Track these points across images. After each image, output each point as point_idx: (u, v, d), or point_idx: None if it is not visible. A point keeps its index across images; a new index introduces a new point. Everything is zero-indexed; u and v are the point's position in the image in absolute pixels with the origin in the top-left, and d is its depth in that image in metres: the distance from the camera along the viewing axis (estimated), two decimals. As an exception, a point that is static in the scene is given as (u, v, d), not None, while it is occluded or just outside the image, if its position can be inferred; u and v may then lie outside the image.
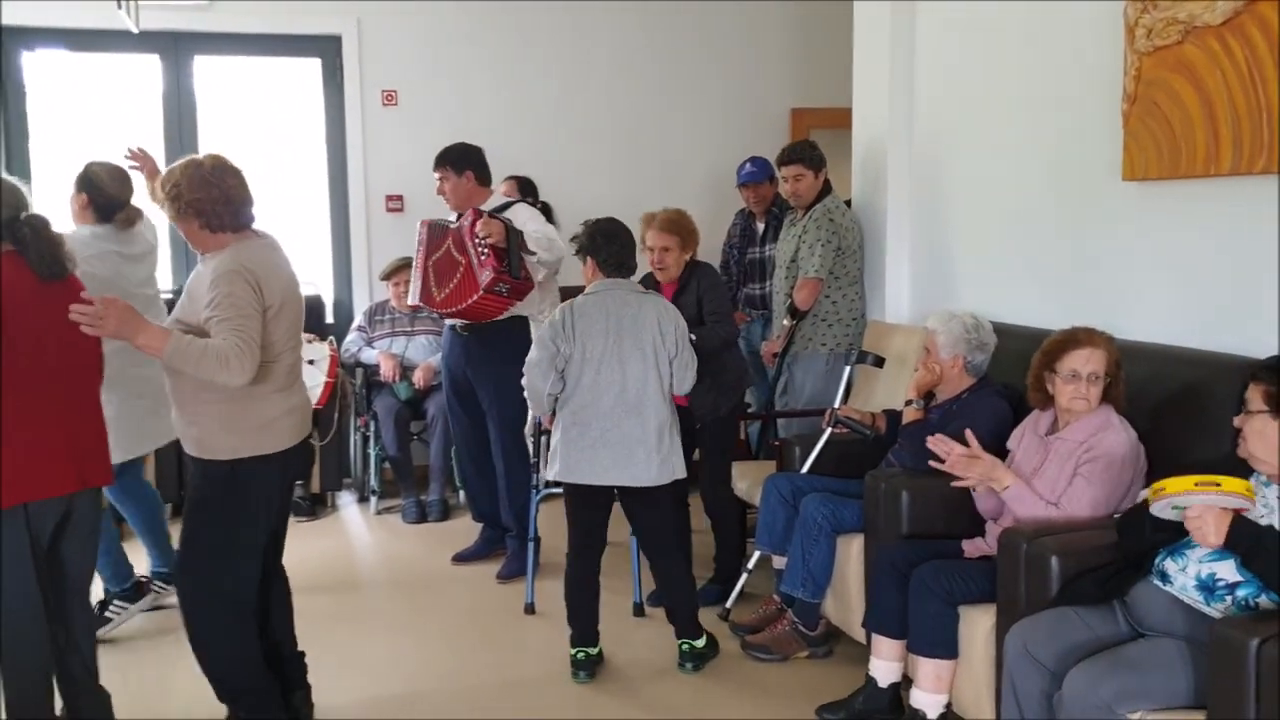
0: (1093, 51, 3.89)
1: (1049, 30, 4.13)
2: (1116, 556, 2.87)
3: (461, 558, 5.24)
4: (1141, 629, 2.74)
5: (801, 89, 7.08)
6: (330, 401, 6.06)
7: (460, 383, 5.02)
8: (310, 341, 5.96)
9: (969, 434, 3.33)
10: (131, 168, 4.42)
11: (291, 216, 6.60)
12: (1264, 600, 2.54)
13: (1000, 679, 2.96)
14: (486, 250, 4.60)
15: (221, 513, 3.25)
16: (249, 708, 3.37)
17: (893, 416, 4.11)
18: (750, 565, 4.41)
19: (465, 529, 5.57)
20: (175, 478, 5.64)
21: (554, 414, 3.93)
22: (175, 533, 3.82)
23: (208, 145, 6.55)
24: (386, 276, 6.32)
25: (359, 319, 6.43)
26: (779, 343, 5.09)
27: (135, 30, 4.99)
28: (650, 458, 3.79)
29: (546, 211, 5.59)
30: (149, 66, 6.49)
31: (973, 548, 3.44)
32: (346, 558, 5.47)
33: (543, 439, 4.54)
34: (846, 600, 3.84)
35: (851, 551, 3.81)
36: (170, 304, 4.57)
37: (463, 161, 4.83)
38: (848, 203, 5.29)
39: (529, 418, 4.79)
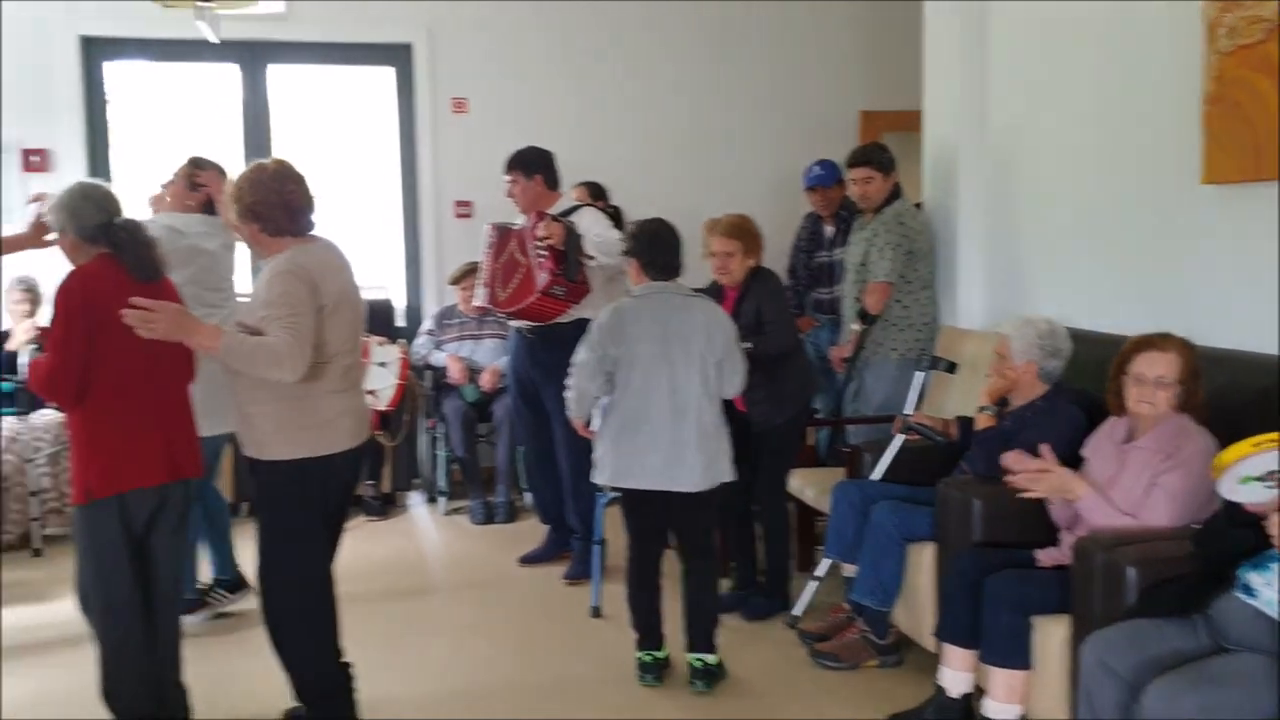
0: (1169, 51, 3.81)
1: (1125, 31, 4.06)
2: (1196, 568, 2.80)
3: (528, 559, 5.27)
4: (1224, 643, 2.67)
5: (870, 91, 7.03)
6: (401, 403, 6.14)
7: (526, 385, 5.05)
8: (381, 344, 6.04)
9: (1043, 448, 3.28)
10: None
11: (363, 222, 6.70)
12: (1354, 615, 2.47)
13: (1075, 691, 2.91)
14: (545, 253, 4.64)
15: (281, 513, 3.29)
16: (323, 707, 3.41)
17: (965, 423, 4.04)
18: (819, 573, 4.38)
19: (532, 530, 5.60)
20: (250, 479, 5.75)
21: (587, 421, 3.94)
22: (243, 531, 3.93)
23: (283, 153, 6.65)
24: (455, 281, 6.38)
25: (428, 323, 6.51)
26: (848, 348, 5.05)
27: (215, 40, 5.09)
28: (698, 461, 3.77)
29: (616, 216, 5.62)
30: (226, 76, 6.62)
31: (1047, 557, 3.38)
32: (416, 557, 5.53)
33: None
34: (917, 609, 3.79)
35: (923, 560, 3.76)
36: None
37: (533, 165, 4.87)
38: (918, 205, 5.24)
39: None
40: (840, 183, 5.66)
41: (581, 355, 3.87)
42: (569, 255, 4.66)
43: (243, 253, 4.50)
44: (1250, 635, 2.60)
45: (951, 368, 4.41)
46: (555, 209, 4.87)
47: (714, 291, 4.37)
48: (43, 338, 3.95)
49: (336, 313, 3.23)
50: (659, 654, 3.94)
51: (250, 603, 4.30)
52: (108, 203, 3.28)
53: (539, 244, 4.66)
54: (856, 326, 4.99)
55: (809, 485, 4.69)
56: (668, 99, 6.91)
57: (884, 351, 4.98)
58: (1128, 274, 4.10)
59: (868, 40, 7.06)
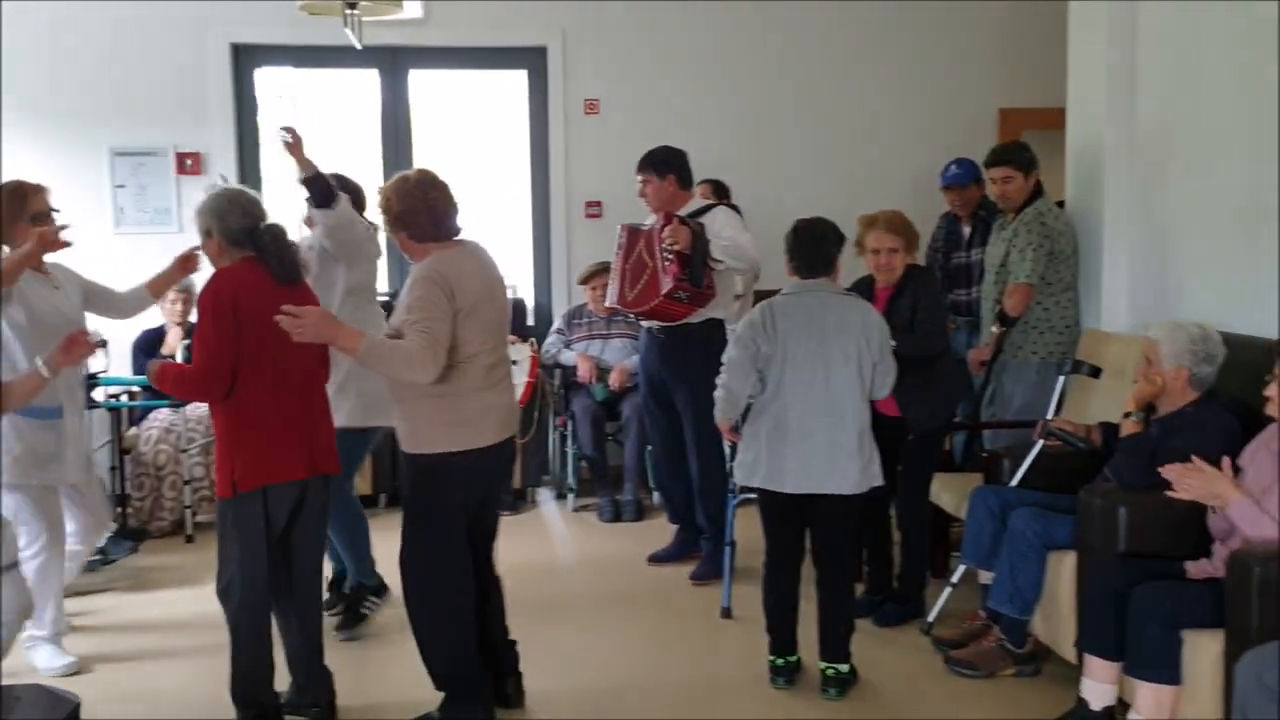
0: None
1: (1284, 24, 3.89)
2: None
3: (657, 558, 5.29)
4: (1394, 664, 2.55)
5: (1010, 88, 6.87)
6: (531, 401, 6.23)
7: (657, 385, 5.07)
8: (512, 343, 6.14)
9: (1195, 460, 3.17)
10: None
11: (496, 223, 6.82)
12: None
13: (1229, 708, 2.80)
14: (671, 256, 4.64)
15: (429, 504, 3.41)
16: (457, 695, 3.49)
17: (1108, 429, 3.94)
18: (954, 579, 4.30)
19: (659, 529, 5.63)
20: (389, 472, 6.02)
21: (736, 425, 3.91)
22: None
23: (421, 155, 6.83)
24: (584, 281, 6.45)
25: (558, 322, 6.59)
26: (986, 350, 4.95)
27: (359, 46, 5.24)
28: (851, 464, 3.72)
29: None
30: (365, 80, 6.80)
31: (1196, 569, 3.27)
32: (546, 552, 5.61)
33: (728, 445, 4.51)
34: (1057, 618, 3.70)
35: (1063, 568, 3.67)
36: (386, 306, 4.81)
37: (665, 165, 4.88)
38: (1060, 204, 5.10)
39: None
40: (978, 182, 5.56)
41: (731, 353, 3.84)
42: (695, 261, 4.66)
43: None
44: None
45: (1095, 372, 4.30)
46: (687, 209, 4.88)
47: (861, 291, 4.31)
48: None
49: (474, 314, 3.32)
50: (791, 658, 3.91)
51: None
52: (253, 208, 3.43)
53: (666, 248, 4.67)
54: (995, 329, 4.89)
55: (945, 490, 4.61)
56: (802, 98, 6.87)
57: (1023, 355, 4.86)
58: (1286, 276, 3.93)
59: (1006, 37, 6.90)
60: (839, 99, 6.89)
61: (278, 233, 3.43)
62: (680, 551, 5.26)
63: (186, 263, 4.21)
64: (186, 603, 4.61)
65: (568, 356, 6.37)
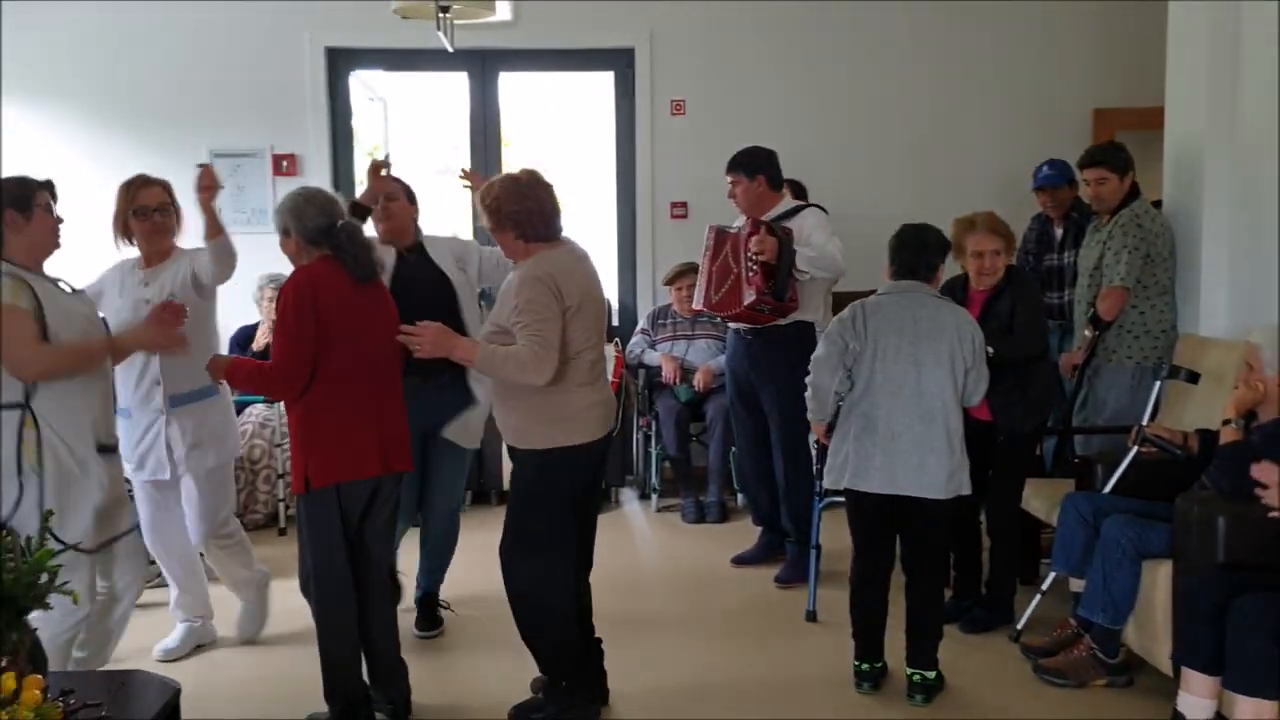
0: None
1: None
2: None
3: (741, 560, 5.28)
4: None
5: (1105, 88, 6.73)
6: (615, 400, 6.25)
7: (744, 386, 5.06)
8: (598, 343, 6.19)
9: None
10: (465, 187, 4.65)
11: (582, 223, 6.86)
12: None
13: (1335, 726, 2.73)
14: (756, 268, 4.63)
15: (537, 498, 3.45)
16: (564, 690, 3.53)
17: (1206, 436, 3.85)
18: (1044, 586, 4.24)
19: (743, 531, 5.62)
20: (476, 469, 6.08)
21: (830, 426, 3.88)
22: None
23: (509, 157, 6.91)
24: (669, 281, 6.46)
25: (643, 322, 6.62)
26: (1079, 354, 4.87)
27: (450, 49, 5.32)
28: (941, 468, 3.68)
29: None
30: (454, 83, 6.90)
31: (1300, 581, 3.19)
32: (630, 552, 5.64)
33: (814, 448, 4.50)
34: (1151, 629, 3.63)
35: (1158, 578, 3.59)
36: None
37: (755, 166, 4.87)
38: (1156, 204, 4.99)
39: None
40: (1071, 183, 5.47)
41: (819, 350, 3.83)
42: (780, 273, 4.64)
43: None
44: None
45: (1193, 378, 4.20)
46: (776, 210, 4.87)
47: (953, 292, 4.26)
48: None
49: (580, 312, 3.39)
50: (876, 664, 3.89)
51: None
52: (330, 207, 3.47)
53: (752, 257, 4.66)
54: (1088, 333, 4.81)
55: (1036, 496, 4.54)
56: (889, 98, 6.81)
57: (1118, 359, 4.77)
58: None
59: (1102, 35, 6.77)
60: (927, 99, 6.81)
61: (353, 231, 3.47)
62: (764, 554, 5.25)
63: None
64: (279, 594, 4.70)
65: (652, 357, 6.39)
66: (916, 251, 3.80)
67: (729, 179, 4.91)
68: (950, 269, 4.35)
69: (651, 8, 6.69)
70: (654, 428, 6.36)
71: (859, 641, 3.89)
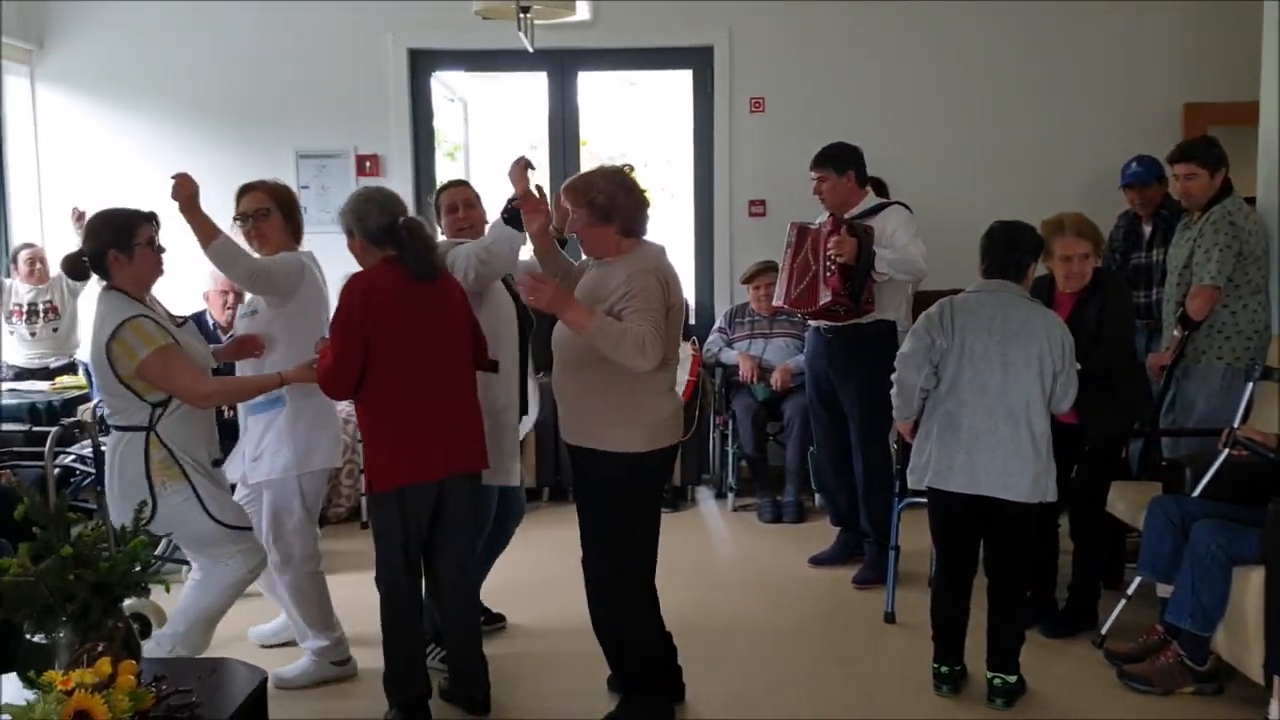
0: None
1: None
2: None
3: (818, 560, 5.26)
4: None
5: (1196, 82, 6.56)
6: (692, 399, 6.26)
7: (823, 385, 5.03)
8: (675, 341, 6.19)
9: None
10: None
11: (659, 221, 6.87)
12: None
13: None
14: (834, 268, 4.59)
15: (630, 501, 3.42)
16: (642, 694, 3.53)
17: (1301, 439, 3.75)
18: (1130, 591, 4.16)
19: (820, 531, 5.59)
20: (553, 466, 6.13)
21: (915, 424, 3.85)
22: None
23: (586, 156, 6.94)
24: (747, 280, 6.44)
25: (719, 320, 6.61)
26: (1167, 355, 4.76)
27: (530, 49, 5.36)
28: (1025, 471, 3.62)
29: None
30: (533, 83, 6.95)
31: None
32: (706, 551, 5.64)
33: (894, 447, 4.45)
34: (1242, 637, 3.53)
35: (1250, 584, 3.50)
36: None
37: (844, 161, 4.82)
38: (1250, 201, 4.86)
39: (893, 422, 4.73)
40: (1161, 180, 5.35)
41: (905, 347, 3.79)
42: (857, 275, 4.60)
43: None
44: None
45: (1287, 380, 4.09)
46: (860, 207, 4.84)
47: (1039, 294, 4.18)
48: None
49: (671, 314, 3.38)
50: (956, 666, 3.84)
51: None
52: (390, 204, 3.49)
53: (831, 257, 4.63)
54: (1177, 333, 4.70)
55: (1121, 499, 4.44)
56: (972, 94, 6.71)
57: (1208, 360, 4.66)
58: None
59: (1193, 29, 6.60)
60: (1010, 95, 6.70)
61: (414, 228, 3.45)
62: (842, 554, 5.22)
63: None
64: (358, 587, 4.75)
65: (729, 355, 6.38)
66: (1008, 250, 3.75)
67: (815, 174, 4.86)
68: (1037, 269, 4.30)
69: (730, 6, 6.67)
70: (730, 426, 6.34)
71: (938, 643, 3.85)
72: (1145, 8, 6.62)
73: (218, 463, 3.69)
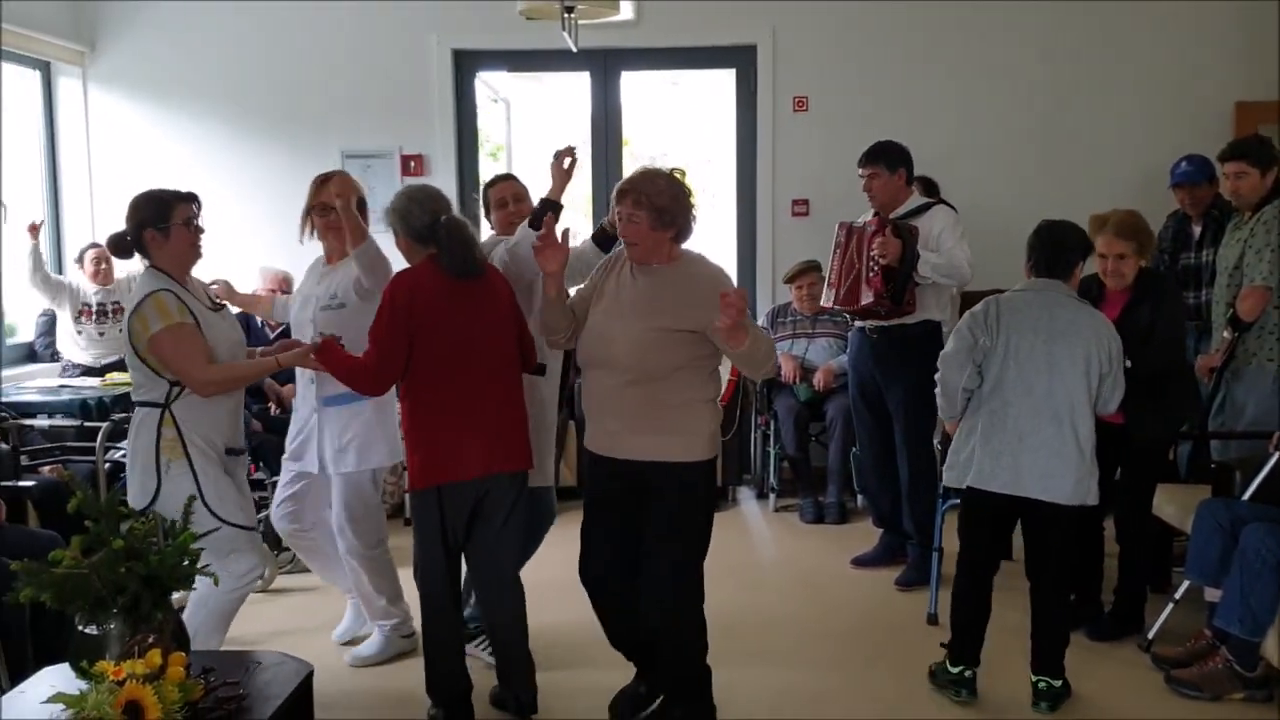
0: None
1: None
2: None
3: (861, 561, 5.24)
4: None
5: (1247, 81, 6.46)
6: (733, 399, 6.27)
7: (868, 385, 5.01)
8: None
9: None
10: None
11: (701, 221, 6.87)
12: None
13: None
14: (877, 269, 4.57)
15: (702, 508, 3.40)
16: (695, 694, 3.51)
17: (1355, 444, 3.69)
18: (1177, 595, 4.11)
19: (863, 532, 5.58)
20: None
21: (957, 422, 3.82)
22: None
23: (628, 156, 6.95)
24: (790, 279, 6.42)
25: (762, 320, 6.58)
26: (1217, 357, 4.69)
27: (574, 49, 5.38)
28: (1069, 472, 3.59)
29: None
30: (575, 83, 6.97)
31: None
32: (747, 552, 5.63)
33: (939, 448, 4.42)
34: (1293, 642, 3.49)
35: (1301, 589, 3.46)
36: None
37: (896, 159, 4.80)
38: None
39: (938, 423, 4.71)
40: (1211, 180, 5.28)
41: (950, 345, 3.77)
42: (900, 277, 4.59)
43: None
44: None
45: (1340, 383, 4.02)
46: (906, 206, 4.81)
47: (1087, 292, 4.15)
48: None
49: None
50: (974, 669, 3.79)
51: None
52: (432, 203, 3.50)
53: (874, 257, 4.61)
54: (1227, 334, 4.63)
55: (1169, 502, 4.38)
56: (1018, 94, 6.65)
57: (1259, 361, 4.59)
58: None
59: (1244, 26, 6.50)
60: (1058, 93, 6.63)
61: (454, 227, 3.45)
62: (885, 555, 5.19)
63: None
64: (404, 584, 4.82)
65: (771, 355, 6.36)
66: (1054, 249, 3.72)
67: (866, 171, 4.83)
68: (1088, 267, 4.25)
69: (774, 5, 6.65)
70: (772, 427, 6.33)
71: (955, 645, 3.81)
72: (1197, 6, 6.53)
73: (236, 452, 3.61)
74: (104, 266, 6.17)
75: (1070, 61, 6.62)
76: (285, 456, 4.21)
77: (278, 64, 6.79)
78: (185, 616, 3.55)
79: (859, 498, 6.09)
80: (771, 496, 6.35)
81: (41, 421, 5.11)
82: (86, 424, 5.05)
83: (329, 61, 6.77)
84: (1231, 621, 3.64)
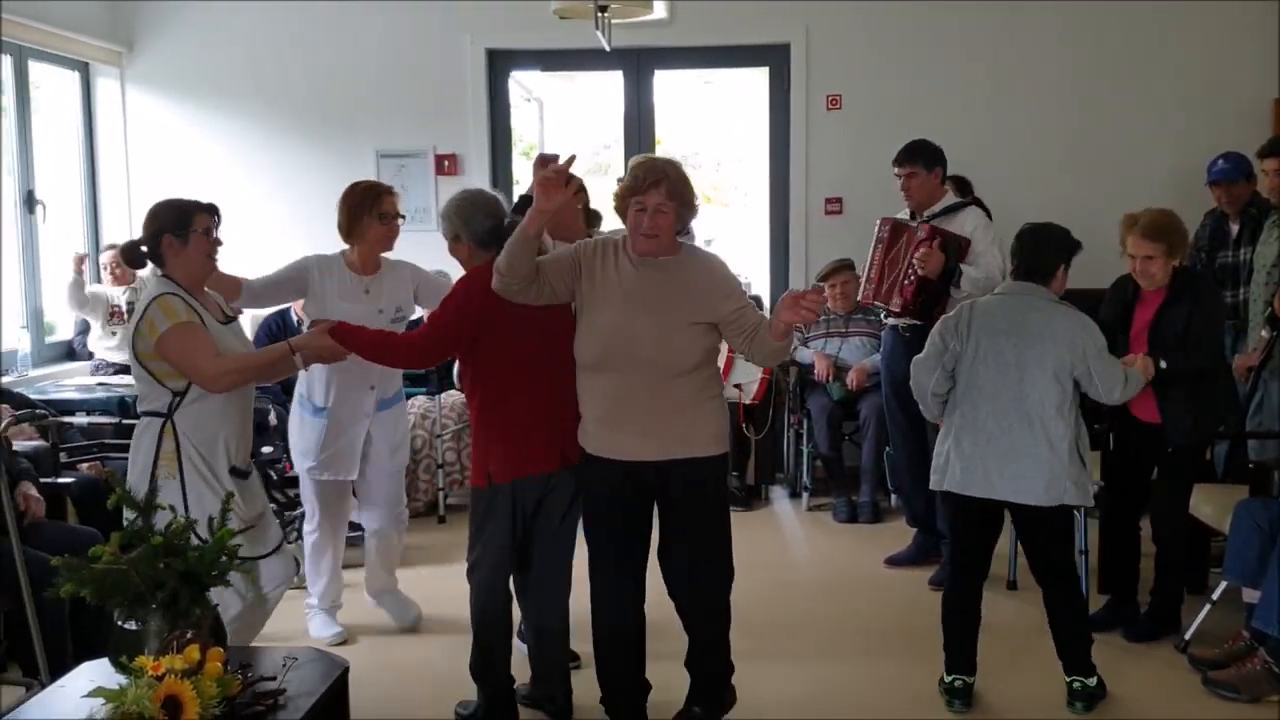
0: None
1: None
2: None
3: (894, 561, 5.22)
4: None
5: (1288, 77, 6.39)
6: (765, 397, 6.25)
7: (901, 385, 4.93)
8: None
9: None
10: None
11: (734, 218, 6.87)
12: None
13: None
14: (913, 279, 4.55)
15: (725, 500, 3.47)
16: (722, 688, 3.55)
17: (1396, 443, 3.64)
18: (1214, 596, 4.07)
19: (896, 532, 5.56)
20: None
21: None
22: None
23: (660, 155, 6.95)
24: (824, 278, 6.39)
25: (795, 319, 6.56)
26: (1255, 356, 4.65)
27: (608, 49, 5.39)
28: (1039, 474, 3.55)
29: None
30: (607, 83, 6.98)
31: None
32: (780, 551, 5.62)
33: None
34: (1333, 645, 3.45)
35: (1341, 591, 3.42)
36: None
37: (934, 158, 4.80)
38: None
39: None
40: (1249, 178, 5.22)
41: (925, 350, 3.79)
42: (933, 291, 4.58)
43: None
44: None
45: (1382, 382, 3.97)
46: (939, 206, 4.80)
47: (1120, 292, 4.11)
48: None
49: None
50: (969, 679, 3.76)
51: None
52: (493, 207, 3.52)
53: (914, 263, 4.59)
54: (1265, 333, 4.60)
55: (1206, 502, 4.34)
56: (1054, 91, 6.59)
57: (1297, 361, 4.55)
58: None
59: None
60: (1094, 91, 6.57)
61: (511, 231, 3.43)
62: (919, 555, 5.17)
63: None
64: (438, 580, 4.86)
65: (804, 354, 6.34)
66: (1034, 253, 3.72)
67: (904, 170, 4.81)
68: (1122, 266, 4.22)
69: (808, 4, 6.64)
70: (805, 426, 6.31)
71: (949, 652, 3.78)
72: (1235, 5, 6.44)
73: (242, 474, 3.49)
74: (120, 269, 6.20)
75: (1105, 59, 6.57)
76: (311, 467, 4.24)
77: (313, 64, 6.84)
78: None
79: (893, 497, 6.06)
80: (805, 496, 6.33)
81: (80, 419, 5.17)
82: (124, 421, 5.11)
83: (363, 61, 6.81)
84: (1270, 622, 3.61)
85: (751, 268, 6.99)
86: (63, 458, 4.62)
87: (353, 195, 4.18)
